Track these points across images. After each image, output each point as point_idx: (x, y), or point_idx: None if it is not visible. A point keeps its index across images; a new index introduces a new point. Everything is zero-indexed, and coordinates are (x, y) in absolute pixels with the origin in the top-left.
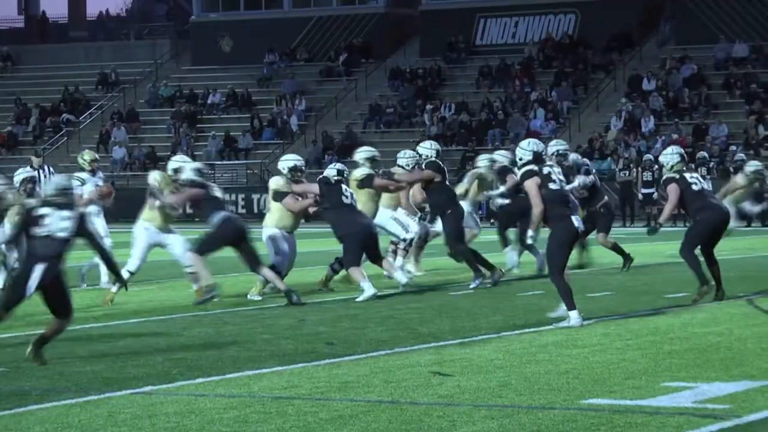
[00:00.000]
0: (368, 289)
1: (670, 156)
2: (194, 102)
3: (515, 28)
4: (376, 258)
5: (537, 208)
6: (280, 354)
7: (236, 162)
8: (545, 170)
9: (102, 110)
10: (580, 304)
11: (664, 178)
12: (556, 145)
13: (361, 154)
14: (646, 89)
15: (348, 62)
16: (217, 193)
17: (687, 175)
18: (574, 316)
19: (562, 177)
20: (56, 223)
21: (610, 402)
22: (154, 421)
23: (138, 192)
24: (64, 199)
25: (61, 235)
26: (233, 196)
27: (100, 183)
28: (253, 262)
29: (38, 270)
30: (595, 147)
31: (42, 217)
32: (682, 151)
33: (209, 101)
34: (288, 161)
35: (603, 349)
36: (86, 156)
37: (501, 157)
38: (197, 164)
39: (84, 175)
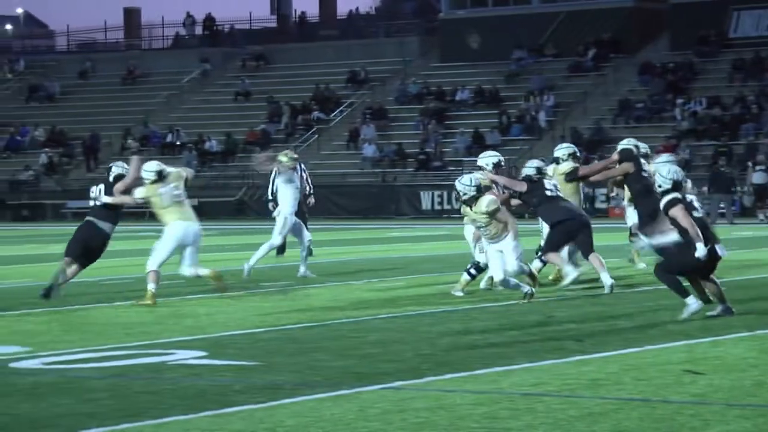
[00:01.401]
0: (571, 272)
1: None
2: (442, 99)
3: None
4: (589, 251)
5: (692, 228)
6: (528, 350)
7: None
8: (688, 198)
9: (352, 108)
10: None
11: None
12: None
13: (563, 150)
14: None
15: (596, 57)
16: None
17: None
18: (690, 302)
19: (702, 206)
20: None
21: None
22: (404, 416)
23: (387, 189)
24: None
25: None
26: None
27: (296, 180)
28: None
29: None
30: None
31: None
32: None
33: (457, 98)
34: (489, 157)
35: None
36: (288, 155)
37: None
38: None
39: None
